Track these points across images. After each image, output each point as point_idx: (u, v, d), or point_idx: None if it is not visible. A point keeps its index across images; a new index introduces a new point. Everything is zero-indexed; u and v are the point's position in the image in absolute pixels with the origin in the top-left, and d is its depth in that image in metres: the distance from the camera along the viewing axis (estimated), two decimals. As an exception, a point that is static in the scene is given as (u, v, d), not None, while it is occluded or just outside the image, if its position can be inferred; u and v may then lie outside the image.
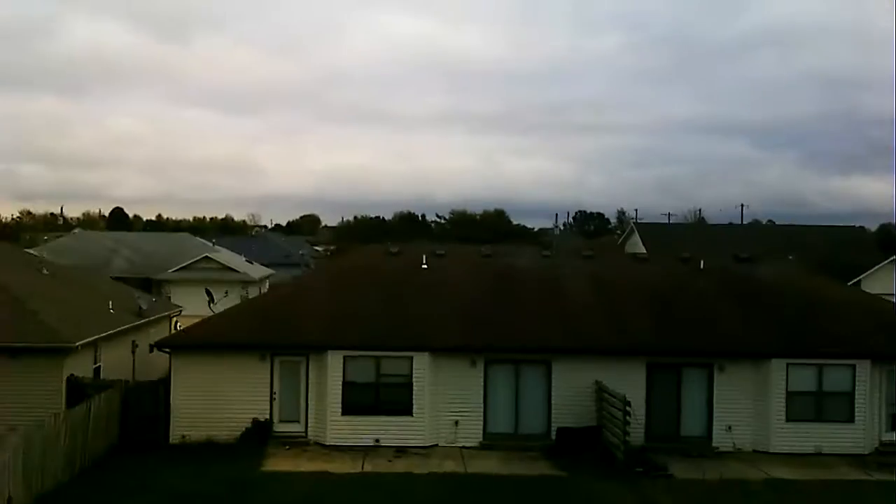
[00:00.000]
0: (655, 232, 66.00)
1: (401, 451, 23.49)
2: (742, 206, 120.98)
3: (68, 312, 26.29)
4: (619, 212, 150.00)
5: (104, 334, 26.10)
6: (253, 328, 24.66)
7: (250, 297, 56.12)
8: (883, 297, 56.34)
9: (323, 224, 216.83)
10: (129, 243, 59.82)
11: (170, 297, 54.42)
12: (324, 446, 23.79)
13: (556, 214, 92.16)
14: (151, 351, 25.41)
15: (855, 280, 58.58)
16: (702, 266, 28.83)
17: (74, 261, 57.28)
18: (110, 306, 28.79)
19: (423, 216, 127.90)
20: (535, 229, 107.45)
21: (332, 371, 23.95)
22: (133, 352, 29.68)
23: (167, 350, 24.54)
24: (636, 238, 66.65)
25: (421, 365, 24.04)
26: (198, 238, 63.65)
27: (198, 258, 54.84)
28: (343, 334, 24.37)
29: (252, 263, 61.98)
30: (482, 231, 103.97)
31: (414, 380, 24.01)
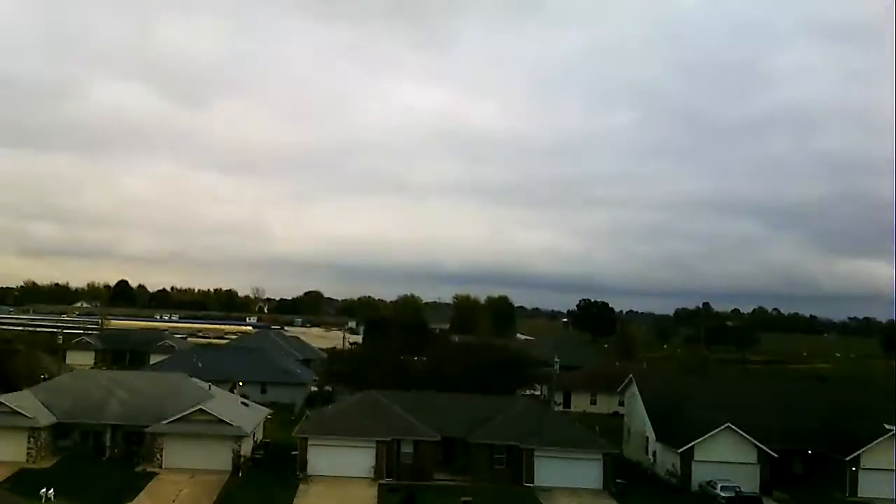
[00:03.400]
0: (653, 385, 65.58)
1: None
2: (749, 312, 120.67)
3: None
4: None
5: None
6: None
7: (241, 451, 56.03)
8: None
9: (327, 297, 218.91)
10: (125, 384, 59.93)
11: (161, 452, 54.51)
12: None
13: (557, 362, 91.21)
14: None
15: (854, 454, 57.59)
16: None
17: (70, 404, 57.45)
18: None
19: (424, 303, 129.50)
20: (534, 343, 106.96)
21: None
22: None
23: None
24: (634, 388, 66.63)
25: None
26: (195, 380, 63.62)
27: (192, 410, 54.82)
28: None
29: (247, 405, 61.87)
30: (481, 331, 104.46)
31: None
